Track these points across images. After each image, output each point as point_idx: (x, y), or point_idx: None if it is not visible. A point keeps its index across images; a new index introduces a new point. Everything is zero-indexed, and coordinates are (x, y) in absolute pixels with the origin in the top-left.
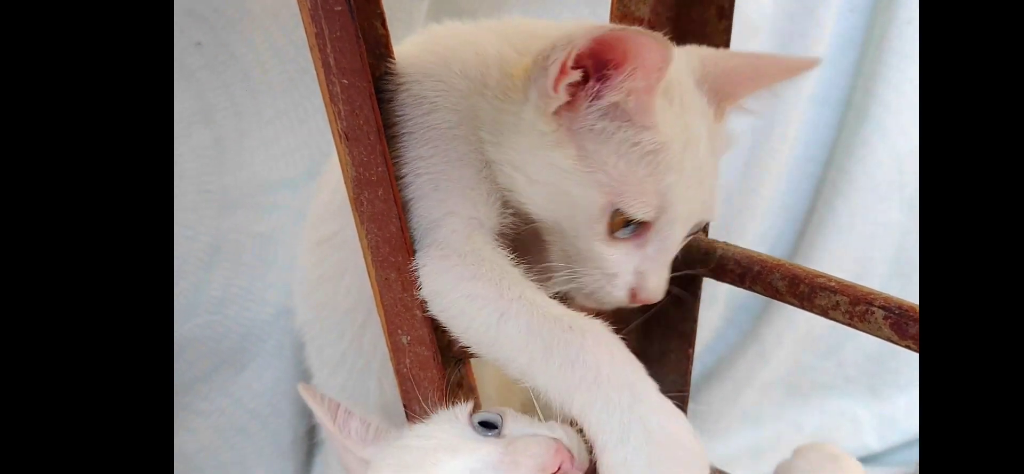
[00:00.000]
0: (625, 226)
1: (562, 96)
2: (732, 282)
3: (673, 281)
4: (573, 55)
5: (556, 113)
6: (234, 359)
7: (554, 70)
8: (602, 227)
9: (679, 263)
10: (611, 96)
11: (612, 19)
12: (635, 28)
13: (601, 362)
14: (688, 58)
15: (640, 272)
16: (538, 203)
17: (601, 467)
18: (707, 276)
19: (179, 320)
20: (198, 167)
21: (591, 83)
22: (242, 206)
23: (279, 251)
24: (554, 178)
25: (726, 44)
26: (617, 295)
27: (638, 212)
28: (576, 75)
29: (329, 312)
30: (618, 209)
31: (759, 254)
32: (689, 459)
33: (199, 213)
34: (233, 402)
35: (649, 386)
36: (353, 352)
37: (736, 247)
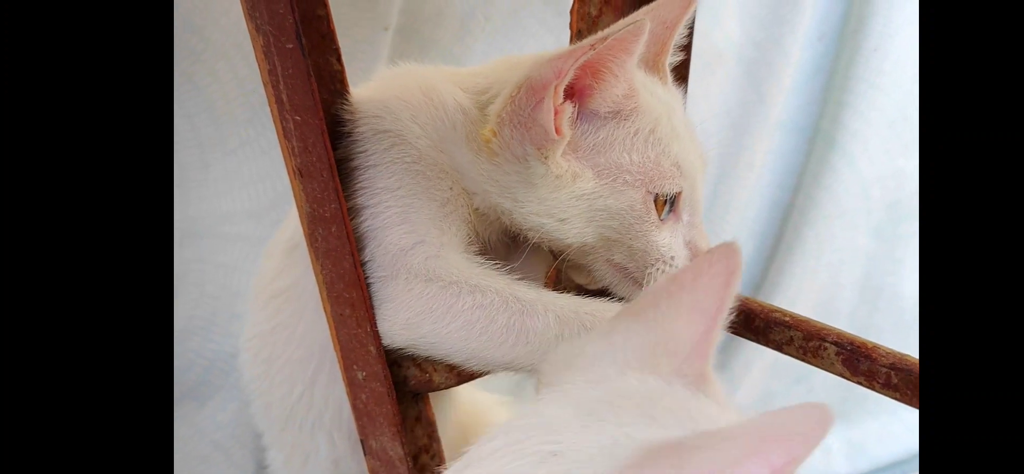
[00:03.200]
0: (665, 204)
1: (567, 133)
2: None
3: None
4: (560, 92)
5: (551, 158)
6: (197, 391)
7: (547, 117)
8: (653, 214)
9: None
10: (597, 105)
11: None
12: (601, 37)
13: None
14: None
15: (690, 242)
16: (577, 233)
17: None
18: None
19: None
20: None
21: (577, 107)
22: (205, 236)
23: (242, 282)
24: (586, 205)
25: (687, 64)
26: None
27: (670, 187)
28: (569, 108)
29: (280, 365)
30: (656, 194)
31: None
32: None
33: None
34: (196, 433)
35: None
36: (303, 406)
37: None
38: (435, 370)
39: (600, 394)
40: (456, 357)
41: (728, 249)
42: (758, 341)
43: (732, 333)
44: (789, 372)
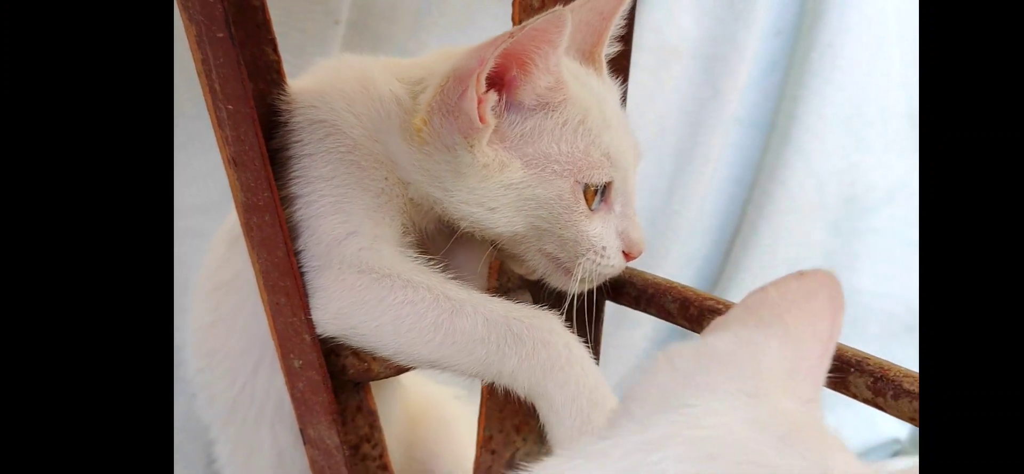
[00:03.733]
0: (595, 194)
1: (492, 121)
2: (629, 305)
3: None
4: (482, 80)
5: (478, 145)
6: None
7: (471, 105)
8: (582, 205)
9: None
10: (524, 96)
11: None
12: (521, 27)
13: (570, 343)
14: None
15: (622, 232)
16: (506, 223)
17: (560, 441)
18: (606, 298)
19: None
20: None
21: (502, 97)
22: None
23: (191, 276)
24: (514, 195)
25: (626, 68)
26: (616, 263)
27: (600, 177)
28: (493, 96)
29: (221, 358)
30: (585, 184)
31: (655, 277)
32: None
33: None
34: None
35: (601, 374)
36: (246, 398)
37: (633, 269)
38: (374, 359)
39: (770, 415)
40: (385, 350)
41: (828, 277)
42: (693, 329)
43: (670, 322)
44: None
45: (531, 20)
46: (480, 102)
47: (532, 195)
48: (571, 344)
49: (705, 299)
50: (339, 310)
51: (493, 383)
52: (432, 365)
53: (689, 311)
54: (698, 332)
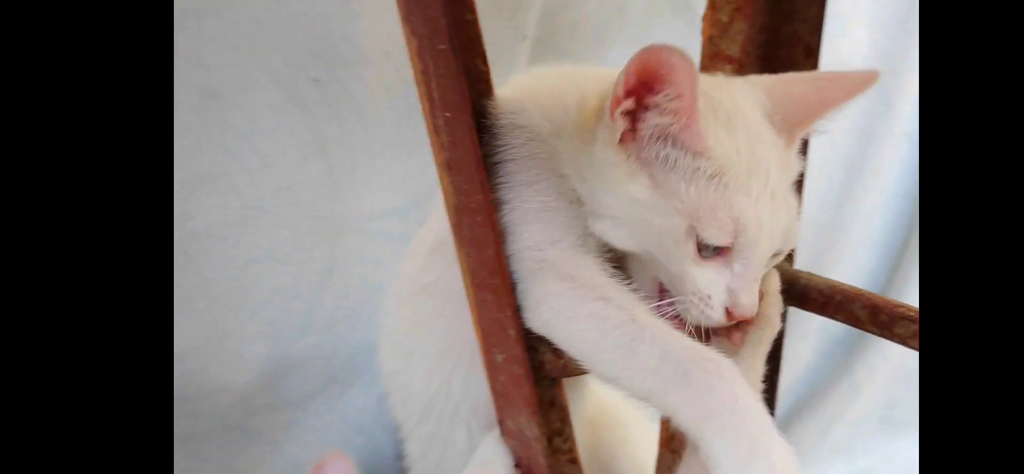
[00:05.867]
0: (709, 246)
1: (620, 123)
2: (815, 310)
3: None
4: (621, 84)
5: (622, 143)
6: (342, 377)
7: (610, 100)
8: (691, 248)
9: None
10: (656, 117)
11: (703, 58)
12: (664, 44)
13: (738, 392)
14: (753, 91)
15: (731, 290)
16: (625, 237)
17: None
18: (791, 305)
19: (293, 338)
20: (312, 195)
21: (640, 110)
22: (353, 233)
23: (385, 276)
24: (635, 211)
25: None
26: (715, 316)
27: (713, 237)
28: (629, 103)
29: (419, 358)
30: (698, 237)
31: (841, 284)
32: None
33: (314, 238)
34: (340, 418)
35: (772, 422)
36: (441, 398)
37: (819, 277)
38: (570, 356)
39: None
40: (577, 358)
41: None
42: (883, 335)
43: (858, 328)
44: (913, 378)
45: (670, 45)
46: (616, 101)
47: (651, 220)
48: (739, 393)
49: (895, 305)
50: (546, 314)
51: None
52: (609, 382)
53: (879, 317)
54: (889, 338)
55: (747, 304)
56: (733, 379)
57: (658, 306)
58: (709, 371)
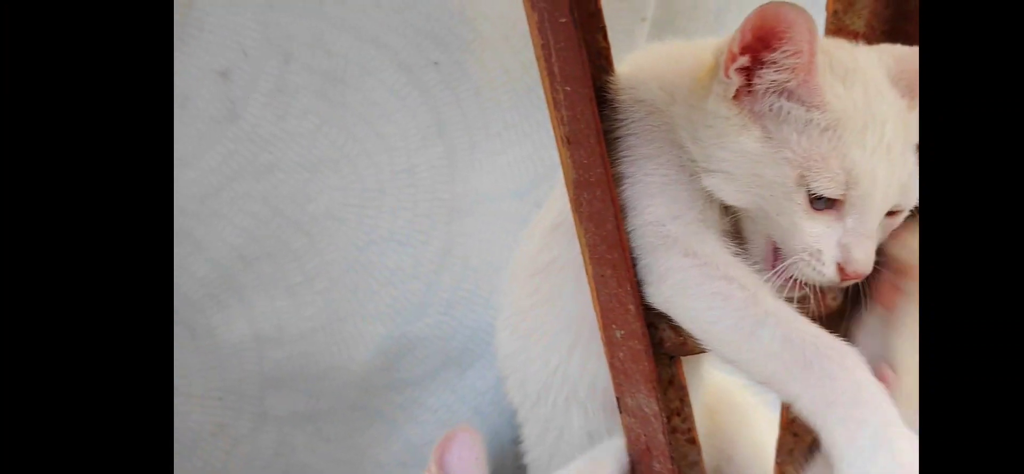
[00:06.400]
0: (820, 198)
1: (735, 79)
2: None
3: None
4: (737, 41)
5: (736, 98)
6: (460, 358)
7: (725, 57)
8: (802, 198)
9: None
10: (773, 73)
11: (826, 34)
12: (783, 1)
13: (860, 382)
14: (880, 55)
15: (843, 245)
16: (737, 192)
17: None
18: None
19: (412, 319)
20: (432, 177)
21: (755, 67)
22: (471, 214)
23: (503, 257)
24: (746, 163)
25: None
26: (827, 273)
27: (824, 187)
28: (743, 60)
29: (536, 338)
30: (808, 187)
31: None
32: None
33: (432, 219)
34: (458, 399)
35: (896, 413)
36: (559, 379)
37: None
38: (690, 334)
39: None
40: (698, 336)
41: None
42: None
43: None
44: None
45: (788, 7)
46: (731, 58)
47: (761, 172)
48: (862, 383)
49: None
50: (668, 290)
51: None
52: (729, 363)
53: None
54: None
55: (860, 259)
56: (856, 368)
57: (774, 270)
58: (832, 359)
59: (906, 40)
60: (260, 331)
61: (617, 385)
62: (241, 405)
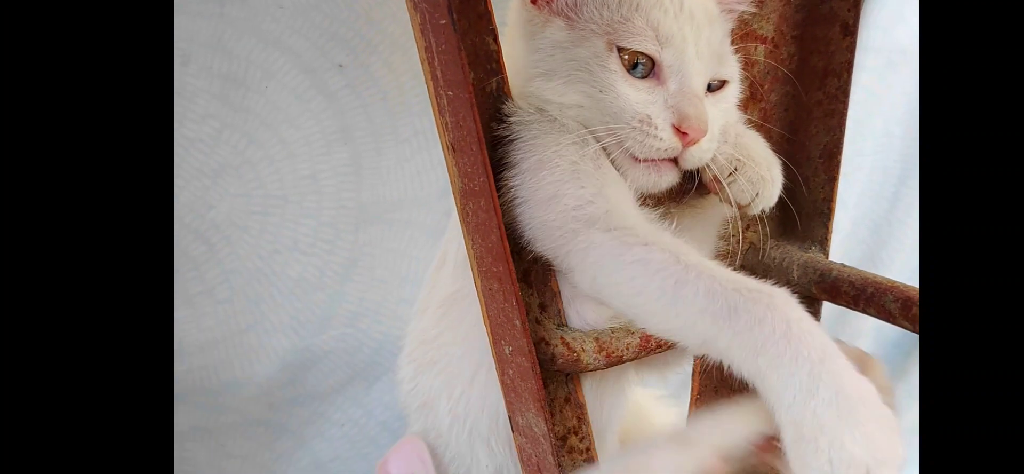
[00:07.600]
0: (634, 67)
1: None
2: (846, 304)
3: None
4: None
5: (535, 4)
6: (367, 372)
7: None
8: (616, 64)
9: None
10: None
11: (735, 37)
12: None
13: (790, 319)
14: None
15: (672, 106)
16: (561, 86)
17: (784, 424)
18: (821, 297)
19: (316, 331)
20: (337, 184)
21: None
22: (377, 222)
23: (410, 267)
24: (561, 56)
25: (850, 62)
26: (664, 137)
27: (636, 42)
28: None
29: (440, 369)
30: (619, 46)
31: (874, 276)
32: (881, 415)
33: (336, 228)
34: (365, 414)
35: (835, 346)
36: (462, 409)
37: (852, 268)
38: (583, 350)
39: None
40: (627, 315)
41: None
42: (915, 330)
43: (890, 322)
44: None
45: None
46: None
47: (573, 55)
48: (792, 319)
49: None
50: (591, 270)
51: (700, 380)
52: (666, 336)
53: (911, 312)
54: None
55: (692, 114)
56: (784, 306)
57: (621, 164)
58: (759, 301)
59: (815, 44)
60: None
61: (508, 403)
62: None
